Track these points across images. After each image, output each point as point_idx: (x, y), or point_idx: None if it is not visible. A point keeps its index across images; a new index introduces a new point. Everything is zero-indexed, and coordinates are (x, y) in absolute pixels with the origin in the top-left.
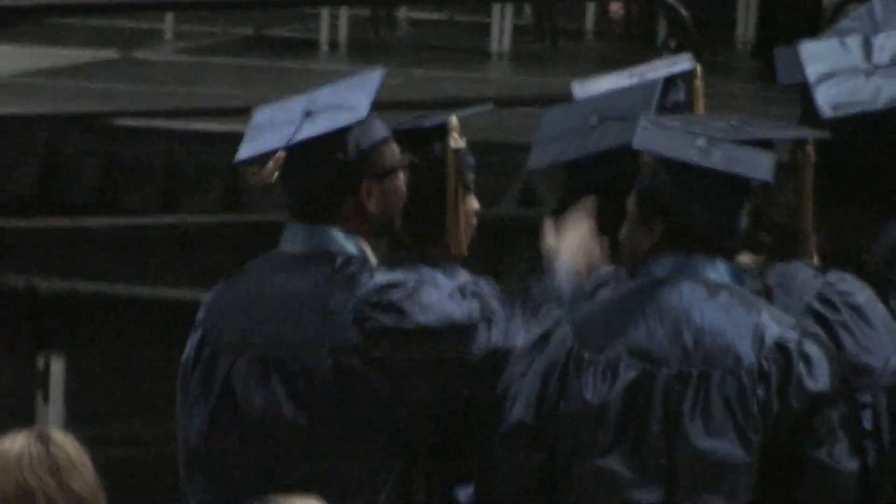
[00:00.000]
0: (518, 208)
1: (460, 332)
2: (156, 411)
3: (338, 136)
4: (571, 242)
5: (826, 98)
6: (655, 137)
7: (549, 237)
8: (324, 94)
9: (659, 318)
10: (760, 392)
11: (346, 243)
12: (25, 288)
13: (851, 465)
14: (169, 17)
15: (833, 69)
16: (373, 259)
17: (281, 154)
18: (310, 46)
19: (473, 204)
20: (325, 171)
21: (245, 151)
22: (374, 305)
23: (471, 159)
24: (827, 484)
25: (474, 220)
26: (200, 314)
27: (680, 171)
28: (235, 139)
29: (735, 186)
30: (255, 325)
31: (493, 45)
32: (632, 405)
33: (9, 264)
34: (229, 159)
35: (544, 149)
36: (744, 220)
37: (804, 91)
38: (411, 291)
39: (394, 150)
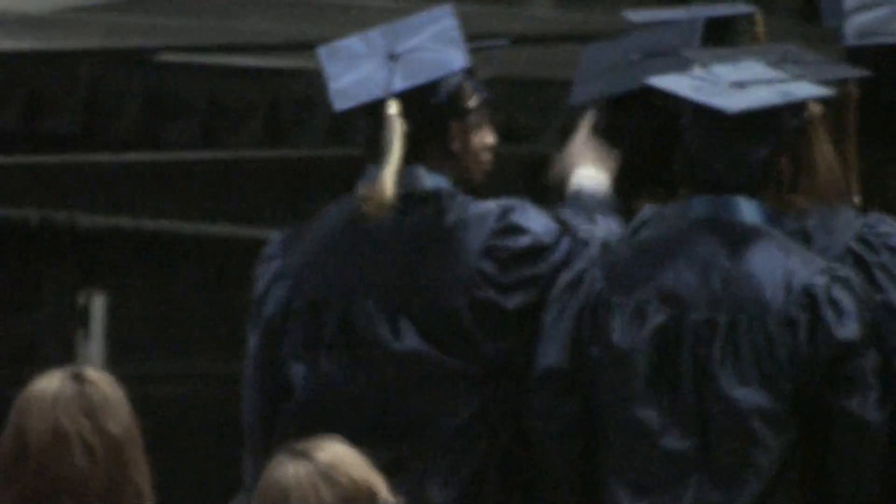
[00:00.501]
0: (561, 144)
1: (566, 244)
2: (197, 349)
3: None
4: (575, 151)
5: (854, 25)
6: (674, 78)
7: (555, 167)
8: (405, 38)
9: (688, 261)
10: (788, 339)
11: (438, 180)
12: (68, 223)
13: (880, 414)
14: None
15: (867, 1)
16: None
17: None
18: None
19: (486, 138)
20: (416, 115)
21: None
22: (499, 233)
23: (483, 93)
24: (856, 433)
25: (487, 156)
26: (276, 261)
27: (700, 112)
28: (277, 74)
29: (757, 125)
30: (367, 268)
31: None
32: (661, 350)
33: (51, 200)
34: (271, 95)
35: (586, 84)
36: (763, 155)
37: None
38: (523, 211)
39: (471, 87)
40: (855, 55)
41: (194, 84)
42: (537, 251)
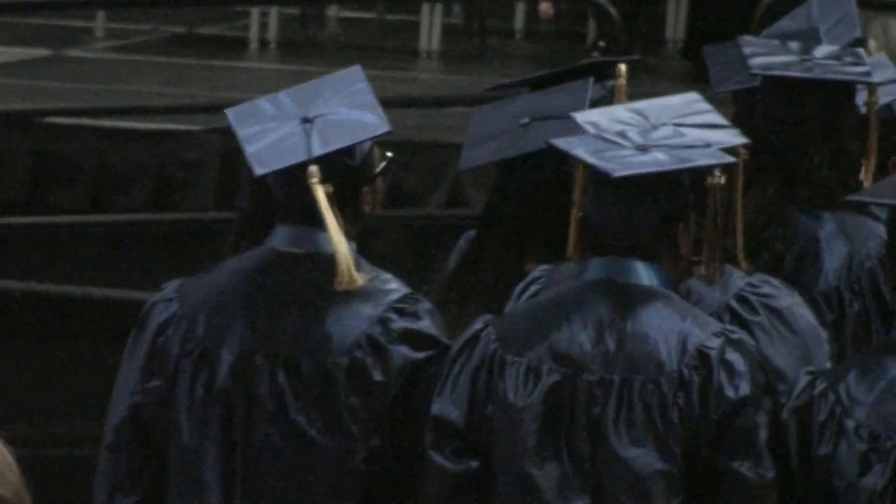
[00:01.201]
0: (446, 208)
1: (445, 347)
2: (85, 410)
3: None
4: None
5: (757, 61)
6: (575, 140)
7: None
8: (316, 101)
9: (583, 322)
10: (681, 400)
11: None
12: None
13: (770, 474)
14: (100, 15)
15: (769, 52)
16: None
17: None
18: (240, 45)
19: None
20: (333, 180)
21: (263, 166)
22: (398, 310)
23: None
24: (745, 494)
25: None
26: (173, 304)
27: (595, 174)
28: (166, 137)
29: (648, 190)
30: (258, 322)
31: (423, 44)
32: (555, 410)
33: None
34: (159, 157)
35: (475, 148)
36: (669, 223)
37: (737, 95)
38: (429, 309)
39: (378, 152)
40: (745, 110)
41: (82, 146)
42: (426, 340)
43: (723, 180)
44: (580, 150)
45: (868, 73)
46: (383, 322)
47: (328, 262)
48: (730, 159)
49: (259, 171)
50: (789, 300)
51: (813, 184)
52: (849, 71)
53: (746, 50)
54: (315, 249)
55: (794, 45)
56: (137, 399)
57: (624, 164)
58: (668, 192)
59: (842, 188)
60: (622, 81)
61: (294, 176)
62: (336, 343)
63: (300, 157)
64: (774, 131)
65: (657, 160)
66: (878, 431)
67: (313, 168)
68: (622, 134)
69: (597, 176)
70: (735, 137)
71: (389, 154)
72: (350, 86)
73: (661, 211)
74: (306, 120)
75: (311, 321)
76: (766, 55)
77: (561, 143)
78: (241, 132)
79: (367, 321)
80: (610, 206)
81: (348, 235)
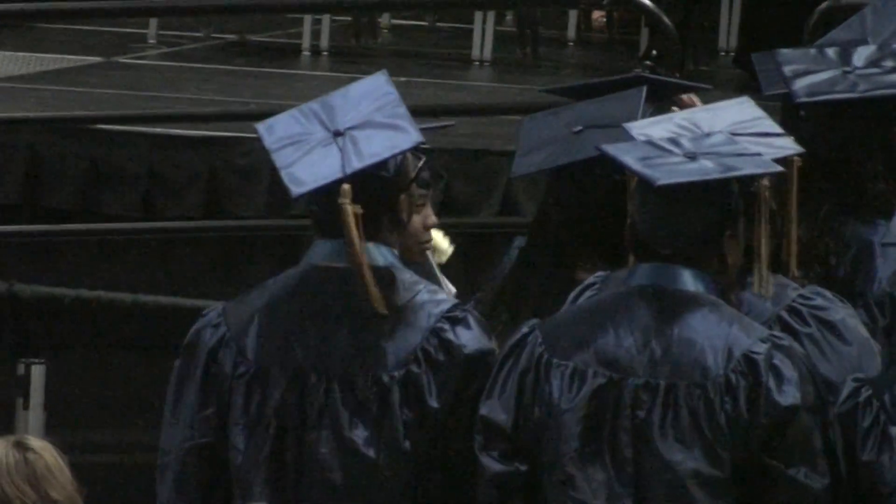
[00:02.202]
0: (498, 217)
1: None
2: (136, 418)
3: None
4: None
5: (801, 85)
6: (626, 146)
7: None
8: (345, 112)
9: (629, 326)
10: (728, 405)
11: (389, 257)
12: (7, 293)
13: (822, 481)
14: (153, 22)
15: (810, 68)
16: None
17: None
18: (292, 52)
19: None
20: (368, 192)
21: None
22: (451, 319)
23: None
24: (801, 500)
25: (428, 235)
26: (220, 328)
27: (641, 182)
28: (217, 144)
29: (695, 198)
30: (309, 340)
31: (475, 52)
32: (600, 413)
33: None
34: (211, 164)
35: (528, 156)
36: (715, 231)
37: (786, 101)
38: (471, 311)
39: (412, 158)
40: (793, 116)
41: (134, 154)
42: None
43: (769, 189)
44: (628, 157)
45: None
46: (437, 333)
47: (376, 273)
48: (778, 168)
49: (295, 191)
50: (842, 312)
51: (869, 197)
52: (892, 80)
53: (787, 70)
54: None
55: (831, 53)
56: (197, 429)
57: (670, 171)
58: (714, 200)
59: (891, 197)
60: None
61: (329, 191)
62: (391, 357)
63: (335, 175)
64: (825, 147)
65: (704, 168)
66: None
67: (346, 187)
68: (674, 141)
69: (642, 183)
70: (789, 146)
71: (423, 158)
72: (379, 94)
73: (707, 218)
74: (338, 133)
75: (363, 336)
76: (806, 74)
77: (611, 149)
78: (274, 150)
79: (421, 333)
80: (655, 213)
81: (390, 244)
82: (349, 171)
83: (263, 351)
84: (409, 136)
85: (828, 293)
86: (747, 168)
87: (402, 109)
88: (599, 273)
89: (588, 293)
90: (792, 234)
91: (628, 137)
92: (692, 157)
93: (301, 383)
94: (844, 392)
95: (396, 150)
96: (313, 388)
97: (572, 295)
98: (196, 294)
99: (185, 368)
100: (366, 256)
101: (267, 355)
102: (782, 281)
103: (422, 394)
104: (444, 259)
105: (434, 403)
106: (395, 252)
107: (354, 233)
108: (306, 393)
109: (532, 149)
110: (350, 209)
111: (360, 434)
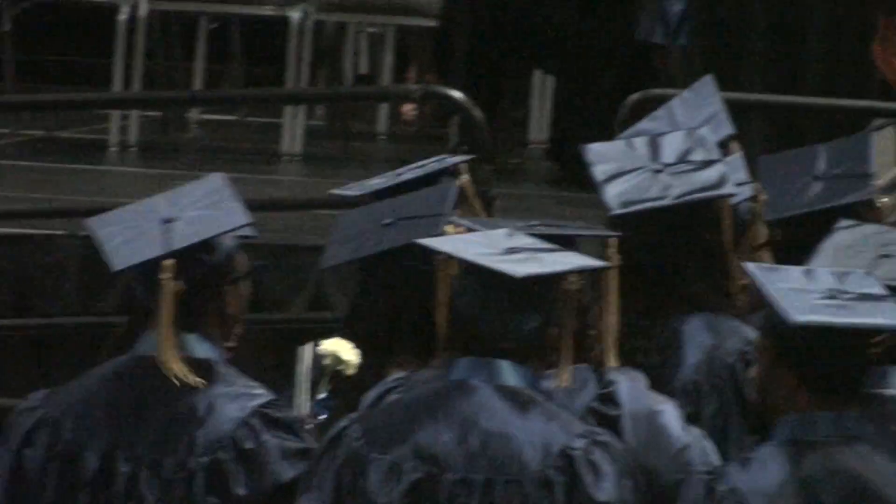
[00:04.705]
0: (308, 312)
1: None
2: None
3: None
4: None
5: (614, 194)
6: (443, 238)
7: None
8: (179, 204)
9: (447, 421)
10: (545, 501)
11: (208, 349)
12: None
13: None
14: None
15: (620, 168)
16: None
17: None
18: (100, 148)
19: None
20: (192, 276)
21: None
22: (263, 416)
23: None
24: None
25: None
26: (38, 411)
27: (467, 271)
28: (26, 241)
29: (524, 288)
30: (122, 424)
31: (286, 146)
32: None
33: None
34: (20, 262)
35: (338, 247)
36: (536, 323)
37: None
38: (293, 417)
39: (244, 257)
40: (615, 223)
41: None
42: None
43: (577, 283)
44: (465, 251)
45: (721, 181)
46: (248, 426)
47: (193, 364)
48: (598, 264)
49: (116, 266)
50: (654, 398)
51: (685, 298)
52: (703, 181)
53: (598, 172)
54: (183, 355)
55: (641, 147)
56: None
57: (516, 266)
58: (547, 295)
59: (713, 293)
60: (465, 179)
61: (153, 278)
62: (199, 443)
63: (157, 252)
64: (641, 251)
65: (543, 263)
66: None
67: (167, 263)
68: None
69: (483, 278)
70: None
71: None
72: (212, 189)
73: (542, 313)
74: (167, 220)
75: (175, 422)
76: (618, 176)
77: (433, 242)
78: (101, 233)
79: (232, 423)
80: (494, 309)
81: (213, 339)
82: (171, 248)
83: (78, 434)
84: (234, 217)
85: (636, 374)
86: (574, 263)
87: (234, 199)
88: (398, 375)
89: (393, 396)
90: (609, 328)
91: (438, 229)
92: (514, 250)
93: (110, 467)
94: (692, 490)
95: (220, 231)
96: (122, 472)
97: (371, 395)
98: (7, 393)
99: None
100: (182, 345)
101: (81, 438)
102: (593, 373)
103: (228, 482)
104: (350, 371)
105: (241, 491)
106: (219, 348)
107: (169, 312)
108: (114, 476)
109: (342, 241)
110: (170, 286)
111: None
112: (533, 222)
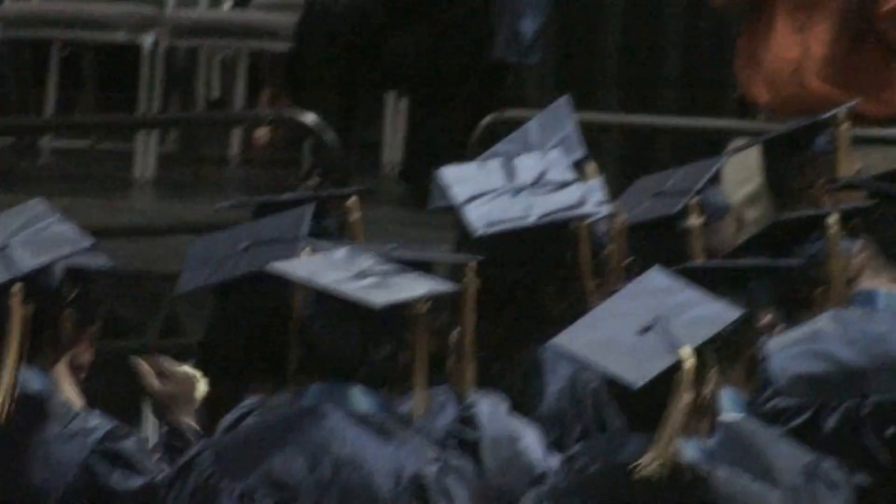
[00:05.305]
0: (161, 339)
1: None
2: None
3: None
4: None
5: (477, 216)
6: (296, 263)
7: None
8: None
9: (299, 447)
10: None
11: (45, 382)
12: None
13: None
14: None
15: (479, 190)
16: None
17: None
18: None
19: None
20: (36, 300)
21: None
22: (103, 453)
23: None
24: None
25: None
26: None
27: (319, 297)
28: None
29: (376, 314)
30: None
31: (137, 172)
32: None
33: None
34: None
35: (192, 273)
36: (388, 348)
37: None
38: (135, 442)
39: (80, 279)
40: (470, 244)
41: None
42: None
43: (428, 309)
44: (321, 278)
45: (581, 201)
46: (88, 470)
47: (30, 400)
48: (451, 287)
49: None
50: (513, 422)
51: (542, 321)
52: (563, 202)
53: (456, 194)
54: (19, 389)
55: (497, 169)
56: None
57: (371, 294)
58: (401, 322)
59: (571, 316)
60: (356, 216)
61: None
62: (42, 492)
63: (3, 278)
64: (501, 271)
65: (399, 288)
66: None
67: (15, 288)
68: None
69: (338, 304)
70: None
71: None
72: (34, 216)
73: (395, 340)
74: (4, 247)
75: (12, 469)
76: (477, 198)
77: (284, 267)
78: None
79: (73, 469)
80: (347, 336)
81: (45, 367)
82: (20, 272)
83: None
84: (73, 240)
85: (500, 401)
86: (426, 288)
87: (64, 224)
88: (250, 400)
89: (249, 420)
90: (465, 349)
91: (295, 253)
92: (363, 275)
93: None
94: None
95: (63, 253)
96: None
97: (227, 420)
98: None
99: None
100: (17, 380)
101: None
102: (454, 397)
103: None
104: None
105: None
106: (51, 375)
107: (19, 340)
108: None
109: (197, 266)
110: (20, 311)
111: None
112: (390, 245)
